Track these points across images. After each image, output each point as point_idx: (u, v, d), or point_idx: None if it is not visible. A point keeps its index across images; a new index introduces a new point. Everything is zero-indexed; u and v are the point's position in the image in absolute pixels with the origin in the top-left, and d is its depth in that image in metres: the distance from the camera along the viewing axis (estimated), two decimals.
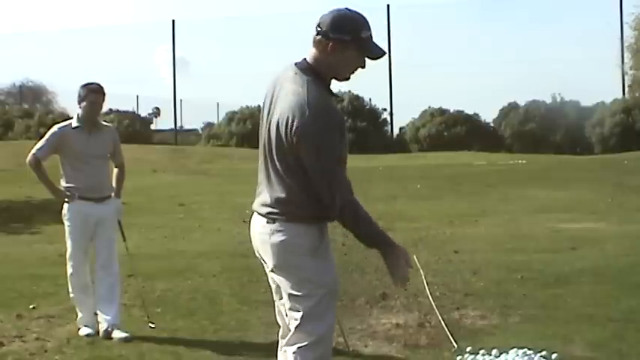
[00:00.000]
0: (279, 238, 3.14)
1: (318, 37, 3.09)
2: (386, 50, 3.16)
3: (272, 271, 3.24)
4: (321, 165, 3.02)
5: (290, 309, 3.20)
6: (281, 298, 3.33)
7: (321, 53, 3.10)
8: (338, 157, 3.06)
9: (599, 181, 14.22)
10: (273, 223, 3.16)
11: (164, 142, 26.92)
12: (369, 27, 3.11)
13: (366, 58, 3.14)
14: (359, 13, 3.12)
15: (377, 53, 3.13)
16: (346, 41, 3.06)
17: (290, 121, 3.01)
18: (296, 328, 3.18)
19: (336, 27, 3.06)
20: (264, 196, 3.21)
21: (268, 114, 3.18)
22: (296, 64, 3.16)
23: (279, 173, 3.14)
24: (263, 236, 3.20)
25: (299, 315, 3.17)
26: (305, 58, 3.15)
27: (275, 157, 3.13)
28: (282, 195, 3.14)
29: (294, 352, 3.18)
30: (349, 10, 3.12)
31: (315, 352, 3.18)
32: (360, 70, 3.18)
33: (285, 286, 3.20)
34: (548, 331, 5.36)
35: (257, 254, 3.35)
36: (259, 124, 3.29)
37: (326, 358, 3.25)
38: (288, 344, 3.23)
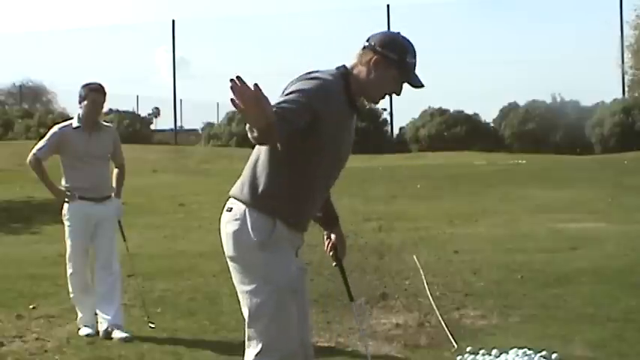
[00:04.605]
0: (232, 227, 3.07)
1: (364, 50, 3.10)
2: (425, 84, 3.12)
3: (230, 263, 3.16)
4: (279, 102, 2.85)
5: (241, 305, 3.12)
6: None
7: (362, 66, 3.10)
8: (296, 105, 2.85)
9: (599, 181, 14.22)
10: (230, 211, 3.10)
11: (164, 142, 26.87)
12: (415, 55, 3.11)
13: (404, 85, 3.12)
14: (409, 41, 3.14)
15: (416, 82, 3.12)
16: (391, 60, 3.06)
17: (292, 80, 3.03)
18: (247, 326, 3.10)
19: (386, 44, 3.08)
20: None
21: None
22: (336, 67, 3.16)
23: (255, 150, 3.10)
24: (222, 225, 3.13)
25: (247, 312, 3.10)
26: (344, 65, 3.15)
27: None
28: (244, 180, 3.10)
29: None
30: (401, 34, 3.15)
31: (271, 358, 3.05)
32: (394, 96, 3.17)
33: (235, 280, 3.12)
34: (548, 331, 5.37)
35: None
36: None
37: None
38: (247, 346, 3.13)
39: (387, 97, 3.20)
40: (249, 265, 3.07)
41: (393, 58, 3.06)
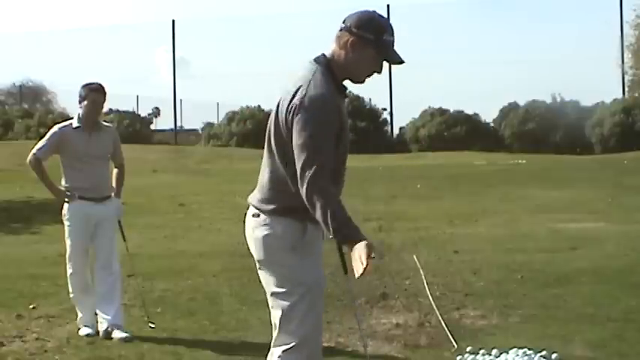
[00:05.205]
0: (262, 232, 3.12)
1: (341, 32, 3.09)
2: (405, 60, 3.12)
3: (259, 267, 3.21)
4: (303, 142, 2.94)
5: (272, 307, 3.16)
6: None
7: (340, 49, 3.10)
8: (322, 145, 2.96)
9: (599, 181, 14.22)
10: (258, 217, 3.14)
11: (164, 142, 26.88)
12: (392, 32, 3.11)
13: (384, 63, 3.12)
14: (385, 18, 3.14)
15: (395, 59, 3.12)
16: (368, 40, 3.06)
17: (289, 102, 3.02)
18: (278, 328, 3.13)
19: (361, 24, 3.07)
20: (255, 190, 3.21)
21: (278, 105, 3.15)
22: (314, 58, 3.15)
23: (268, 164, 3.13)
24: (248, 230, 3.18)
25: (279, 314, 3.12)
26: (323, 53, 3.15)
27: (268, 147, 3.14)
28: (268, 187, 3.13)
29: (279, 356, 3.13)
30: (377, 13, 3.14)
31: (300, 354, 3.11)
32: (375, 75, 3.17)
33: (266, 283, 3.16)
34: (548, 331, 5.37)
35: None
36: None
37: None
38: (274, 345, 3.18)
39: (372, 75, 3.19)
40: (280, 267, 3.11)
41: (369, 37, 3.06)
